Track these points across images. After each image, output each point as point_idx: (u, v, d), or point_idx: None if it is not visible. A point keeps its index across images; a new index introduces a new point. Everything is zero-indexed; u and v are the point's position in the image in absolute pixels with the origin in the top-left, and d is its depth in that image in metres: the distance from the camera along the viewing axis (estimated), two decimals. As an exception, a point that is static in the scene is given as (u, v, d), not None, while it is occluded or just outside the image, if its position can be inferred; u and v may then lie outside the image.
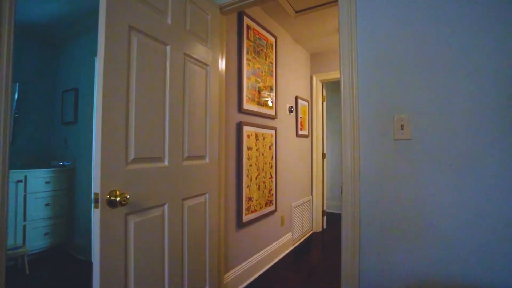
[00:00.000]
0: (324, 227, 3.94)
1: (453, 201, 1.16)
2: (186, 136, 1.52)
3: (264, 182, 2.63)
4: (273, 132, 2.80)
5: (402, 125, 1.28)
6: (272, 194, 2.79)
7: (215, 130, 1.79)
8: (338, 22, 1.49)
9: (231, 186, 2.18)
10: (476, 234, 1.12)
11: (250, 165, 2.41)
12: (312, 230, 3.81)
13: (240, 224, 2.26)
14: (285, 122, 3.15)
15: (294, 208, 3.29)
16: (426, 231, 1.22)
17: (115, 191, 1.09)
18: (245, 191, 2.32)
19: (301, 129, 3.53)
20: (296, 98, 3.42)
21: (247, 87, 2.38)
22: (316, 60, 3.89)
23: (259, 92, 2.56)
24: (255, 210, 2.48)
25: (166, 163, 1.38)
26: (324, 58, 3.83)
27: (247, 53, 2.39)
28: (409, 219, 1.25)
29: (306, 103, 3.72)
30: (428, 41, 1.23)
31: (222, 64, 1.94)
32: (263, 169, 2.62)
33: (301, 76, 3.63)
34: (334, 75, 3.75)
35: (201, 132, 1.66)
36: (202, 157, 1.67)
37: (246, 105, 2.36)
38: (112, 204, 1.06)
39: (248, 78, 2.40)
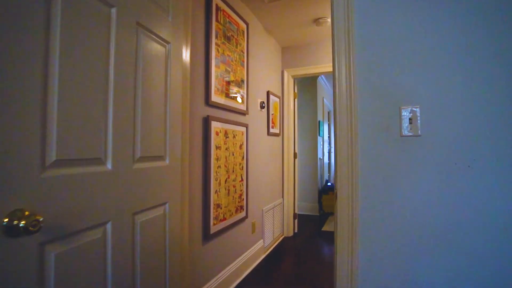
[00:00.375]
0: (296, 230, 3.73)
1: (477, 211, 0.97)
2: (139, 130, 1.16)
3: (234, 186, 2.32)
4: (244, 129, 2.50)
5: (410, 119, 1.06)
6: (243, 199, 2.49)
7: (178, 124, 1.45)
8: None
9: (196, 192, 1.84)
10: (509, 253, 0.93)
11: (219, 166, 2.09)
12: (283, 235, 3.58)
13: (208, 236, 1.92)
14: (257, 119, 2.87)
15: (266, 212, 3.02)
16: (454, 249, 1.01)
17: (21, 211, 0.71)
18: (213, 197, 1.99)
19: (272, 127, 3.28)
20: (268, 93, 3.16)
21: (216, 76, 2.05)
22: (288, 54, 3.67)
23: (229, 83, 2.25)
24: (224, 219, 2.16)
25: (108, 166, 1.01)
26: (296, 53, 3.63)
27: (216, 37, 2.06)
28: (421, 233, 1.04)
29: (278, 99, 3.49)
30: (443, 19, 1.03)
31: (187, 44, 1.59)
32: (233, 171, 2.31)
33: (273, 70, 3.38)
34: (306, 70, 3.56)
35: (160, 125, 1.31)
36: (160, 158, 1.32)
37: (215, 97, 2.03)
38: (12, 232, 0.69)
39: (217, 66, 2.07)
